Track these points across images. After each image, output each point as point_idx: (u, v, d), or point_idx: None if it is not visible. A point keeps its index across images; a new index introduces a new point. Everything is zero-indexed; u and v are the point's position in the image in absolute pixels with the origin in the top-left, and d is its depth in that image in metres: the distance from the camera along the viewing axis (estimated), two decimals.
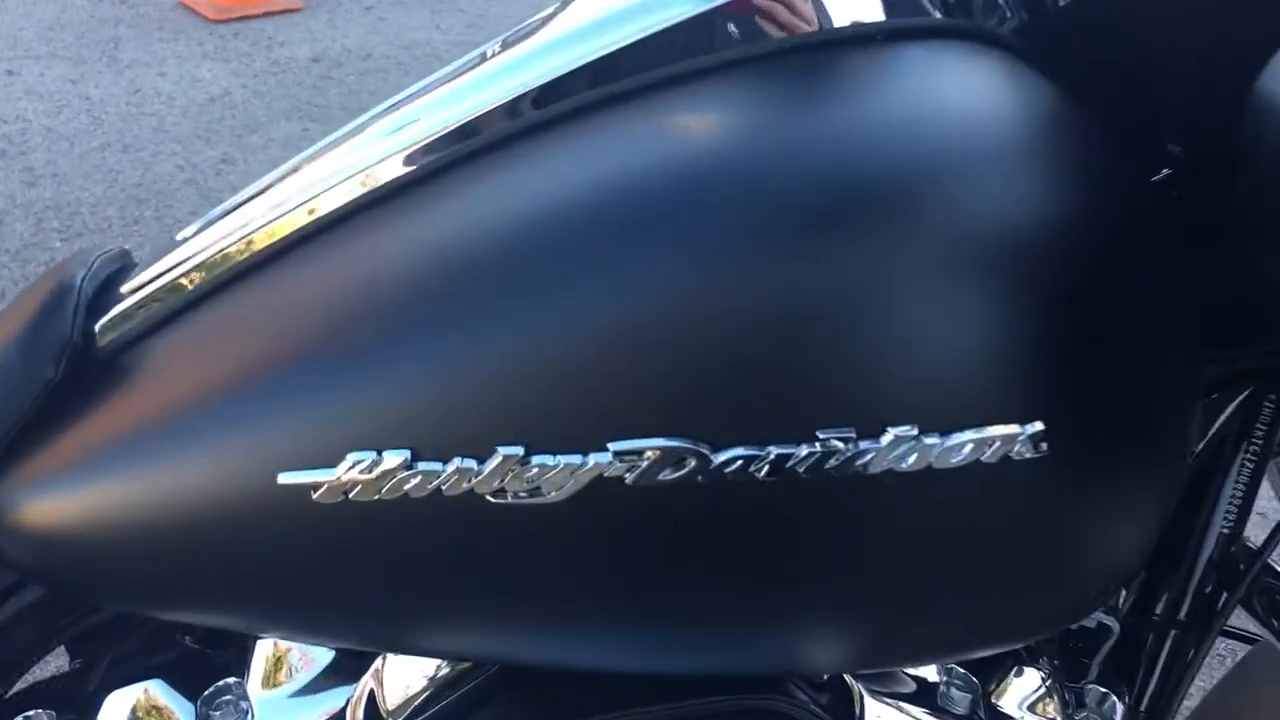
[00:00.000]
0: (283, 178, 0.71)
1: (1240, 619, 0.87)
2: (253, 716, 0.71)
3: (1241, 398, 0.81)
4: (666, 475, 0.55)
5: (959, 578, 0.60)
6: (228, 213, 0.71)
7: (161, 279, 0.67)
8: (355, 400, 0.57)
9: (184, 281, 0.66)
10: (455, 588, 0.60)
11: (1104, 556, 0.62)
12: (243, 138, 3.33)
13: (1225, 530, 0.81)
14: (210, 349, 0.63)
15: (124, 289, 0.67)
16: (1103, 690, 0.78)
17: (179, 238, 0.71)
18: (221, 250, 0.66)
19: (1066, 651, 0.82)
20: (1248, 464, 0.81)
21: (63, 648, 0.79)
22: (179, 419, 0.60)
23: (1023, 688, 0.76)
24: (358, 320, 0.59)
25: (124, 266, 0.73)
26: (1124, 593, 0.84)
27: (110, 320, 0.66)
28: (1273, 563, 0.85)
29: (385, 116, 0.69)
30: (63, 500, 0.62)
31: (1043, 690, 0.77)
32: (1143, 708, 0.84)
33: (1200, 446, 0.81)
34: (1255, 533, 0.84)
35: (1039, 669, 0.77)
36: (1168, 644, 0.83)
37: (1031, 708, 0.76)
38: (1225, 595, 0.82)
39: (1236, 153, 0.57)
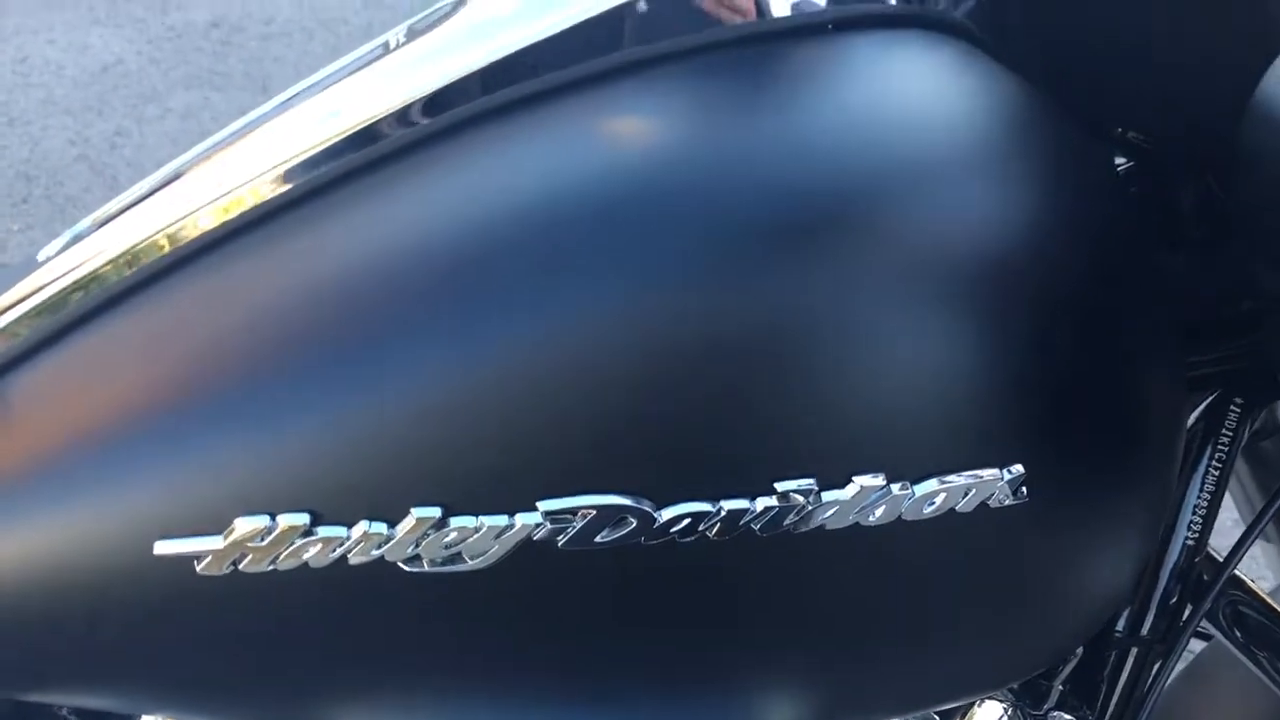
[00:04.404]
0: (165, 183, 0.63)
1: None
2: None
3: (1206, 403, 0.76)
4: (604, 537, 0.48)
5: (931, 634, 0.54)
6: (98, 226, 0.62)
7: (18, 308, 0.59)
8: (244, 455, 0.50)
9: (44, 312, 0.58)
10: (363, 665, 0.53)
11: (1088, 597, 0.58)
12: (138, 108, 3.17)
13: (1190, 541, 0.77)
14: (72, 393, 0.54)
15: None
16: (1067, 718, 0.73)
17: (40, 257, 0.63)
18: (90, 274, 0.58)
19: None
20: (1213, 470, 0.76)
21: None
22: (34, 476, 0.52)
23: None
24: (247, 362, 0.51)
25: None
26: None
27: None
28: (1237, 573, 0.81)
29: (260, 128, 0.60)
30: None
31: None
32: None
33: None
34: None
35: (1000, 699, 0.72)
36: (1130, 661, 0.79)
37: None
38: (1190, 608, 0.78)
39: (1238, 161, 0.52)
